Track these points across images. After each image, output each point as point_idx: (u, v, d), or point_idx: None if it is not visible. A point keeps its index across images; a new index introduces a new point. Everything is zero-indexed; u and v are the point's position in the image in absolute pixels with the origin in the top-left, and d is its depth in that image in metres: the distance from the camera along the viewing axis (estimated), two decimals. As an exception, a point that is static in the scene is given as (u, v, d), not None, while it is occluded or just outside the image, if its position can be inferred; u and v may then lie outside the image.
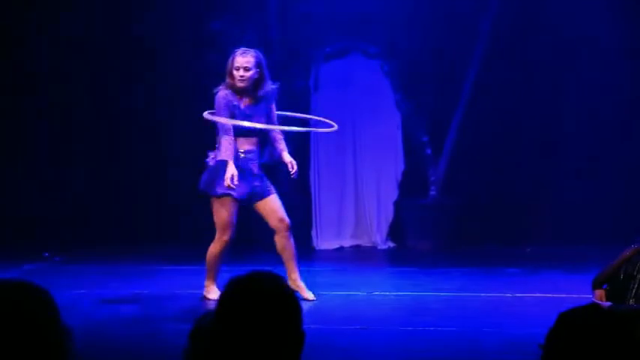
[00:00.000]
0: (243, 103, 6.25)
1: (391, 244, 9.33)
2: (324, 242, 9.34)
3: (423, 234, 9.13)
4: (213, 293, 6.31)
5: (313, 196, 9.39)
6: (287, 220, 6.30)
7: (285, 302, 1.88)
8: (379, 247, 9.30)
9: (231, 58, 6.24)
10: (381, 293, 6.78)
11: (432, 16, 8.95)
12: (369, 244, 9.36)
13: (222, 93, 6.24)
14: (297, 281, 6.32)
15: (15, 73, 9.28)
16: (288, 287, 1.92)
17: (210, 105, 9.31)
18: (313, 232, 9.34)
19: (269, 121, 6.32)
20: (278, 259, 6.32)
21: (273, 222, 6.32)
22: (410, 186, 9.36)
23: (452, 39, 8.96)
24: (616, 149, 9.08)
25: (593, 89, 9.03)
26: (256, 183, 6.29)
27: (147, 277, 7.39)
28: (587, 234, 8.68)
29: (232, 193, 6.21)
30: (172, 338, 4.94)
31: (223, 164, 6.19)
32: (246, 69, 6.18)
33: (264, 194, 6.31)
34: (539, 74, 9.08)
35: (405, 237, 9.27)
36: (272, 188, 6.36)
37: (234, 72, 6.19)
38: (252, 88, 6.23)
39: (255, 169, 6.30)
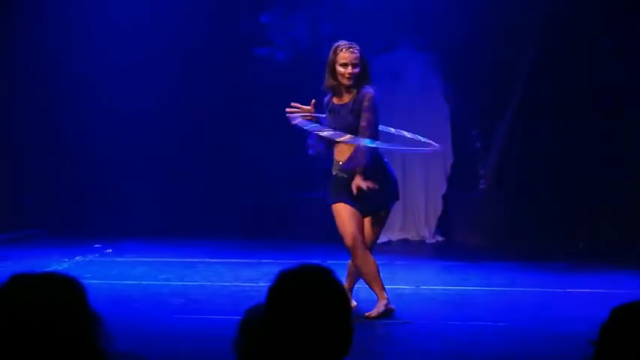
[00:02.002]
0: (337, 100, 5.75)
1: (440, 238, 9.29)
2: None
3: (472, 228, 9.07)
4: (377, 309, 5.67)
5: (361, 190, 9.37)
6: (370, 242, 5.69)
7: (334, 296, 1.88)
8: (427, 241, 9.25)
9: (332, 54, 5.73)
10: (429, 287, 6.76)
11: (483, 8, 8.87)
12: (417, 238, 9.33)
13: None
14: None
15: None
16: (337, 281, 1.92)
17: (260, 100, 9.36)
18: (361, 226, 9.32)
19: (354, 126, 5.63)
20: (324, 253, 6.29)
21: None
22: (459, 179, 9.30)
23: (503, 31, 8.87)
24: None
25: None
26: (368, 193, 5.56)
27: (197, 270, 7.45)
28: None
29: (341, 200, 5.63)
30: (222, 330, 4.98)
31: (329, 173, 5.77)
32: (354, 65, 5.68)
33: (378, 208, 5.70)
34: (597, 65, 8.93)
35: (454, 231, 9.21)
36: (386, 203, 5.73)
37: (340, 69, 5.66)
38: (353, 85, 5.71)
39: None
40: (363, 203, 5.63)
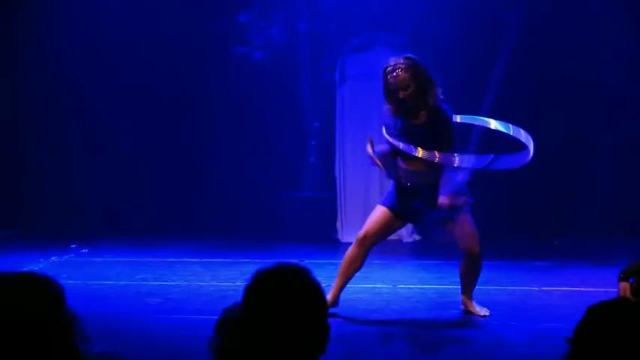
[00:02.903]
0: (412, 119, 5.40)
1: (416, 237, 9.31)
2: (349, 235, 9.33)
3: (449, 227, 9.09)
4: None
5: (338, 189, 9.39)
6: (474, 247, 5.53)
7: (310, 295, 1.88)
8: (404, 240, 9.28)
9: (384, 79, 5.40)
10: (405, 286, 6.77)
11: (458, 8, 8.91)
12: (394, 237, 9.31)
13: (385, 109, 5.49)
14: (467, 303, 5.75)
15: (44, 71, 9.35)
16: (313, 280, 1.92)
17: (238, 99, 9.34)
18: (338, 225, 9.34)
19: (434, 146, 5.35)
20: (303, 252, 6.28)
21: (460, 246, 5.62)
22: (436, 179, 9.32)
23: (479, 30, 8.92)
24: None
25: (626, 82, 8.95)
26: (424, 204, 5.50)
27: (173, 269, 7.43)
28: (616, 227, 8.61)
29: (386, 204, 5.57)
30: (198, 329, 4.96)
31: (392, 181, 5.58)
32: (404, 88, 5.32)
33: (450, 217, 5.52)
34: (568, 66, 9.01)
35: (431, 230, 9.24)
36: (461, 211, 5.56)
37: (394, 95, 5.35)
38: (415, 105, 5.36)
39: (424, 189, 5.45)
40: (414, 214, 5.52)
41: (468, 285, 5.74)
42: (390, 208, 5.57)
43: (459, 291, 5.82)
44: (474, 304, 5.80)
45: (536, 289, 6.59)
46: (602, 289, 5.92)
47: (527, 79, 9.02)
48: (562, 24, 8.92)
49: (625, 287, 5.17)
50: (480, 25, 8.91)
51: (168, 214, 9.30)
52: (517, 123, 9.17)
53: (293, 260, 2.04)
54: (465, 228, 5.53)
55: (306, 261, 6.24)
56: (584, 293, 6.25)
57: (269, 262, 1.97)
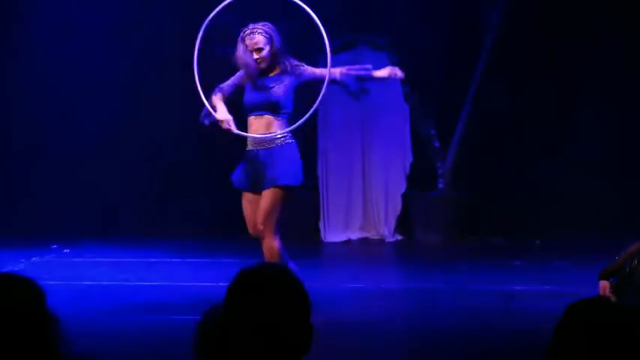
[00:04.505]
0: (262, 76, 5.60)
1: (399, 237, 9.33)
2: (332, 235, 9.35)
3: (431, 227, 9.12)
4: None
5: (321, 189, 9.40)
6: (260, 225, 5.46)
7: (293, 294, 1.88)
8: (387, 240, 9.30)
9: (240, 39, 5.66)
10: (388, 286, 6.79)
11: (440, 8, 8.94)
12: (376, 237, 9.36)
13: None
14: None
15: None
16: (296, 279, 1.92)
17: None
18: (321, 225, 9.35)
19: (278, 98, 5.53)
20: (293, 253, 6.25)
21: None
22: (418, 178, 9.35)
23: (461, 30, 8.95)
24: (625, 141, 9.06)
25: (603, 84, 9.00)
26: (260, 171, 5.51)
27: (155, 270, 7.42)
28: (597, 226, 8.66)
29: (234, 181, 5.61)
30: (180, 330, 4.95)
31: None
32: (259, 50, 5.58)
33: (264, 185, 5.48)
34: (549, 67, 9.06)
35: (413, 230, 9.26)
36: (273, 181, 5.45)
37: (243, 60, 5.65)
38: (271, 64, 5.61)
39: (261, 156, 5.53)
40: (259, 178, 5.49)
41: None
42: (245, 189, 5.53)
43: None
44: None
45: (519, 288, 6.62)
46: (583, 288, 5.95)
47: (508, 79, 9.05)
48: (544, 21, 8.97)
49: (605, 286, 5.20)
50: (463, 23, 8.93)
51: (149, 214, 9.27)
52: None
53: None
54: (262, 203, 5.43)
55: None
56: (564, 293, 6.28)
57: (251, 261, 1.97)
